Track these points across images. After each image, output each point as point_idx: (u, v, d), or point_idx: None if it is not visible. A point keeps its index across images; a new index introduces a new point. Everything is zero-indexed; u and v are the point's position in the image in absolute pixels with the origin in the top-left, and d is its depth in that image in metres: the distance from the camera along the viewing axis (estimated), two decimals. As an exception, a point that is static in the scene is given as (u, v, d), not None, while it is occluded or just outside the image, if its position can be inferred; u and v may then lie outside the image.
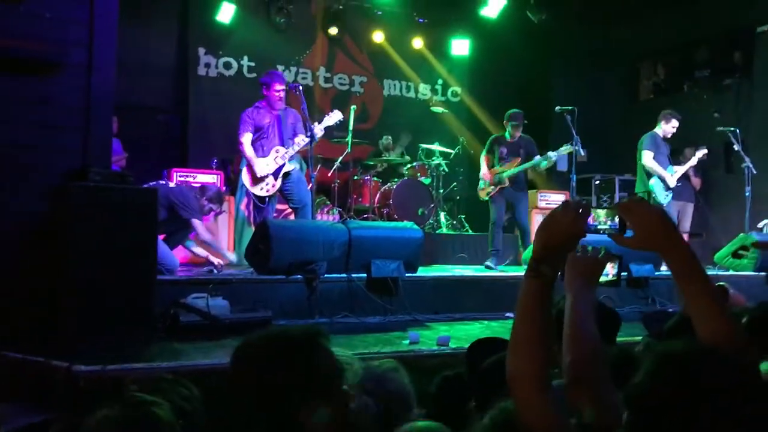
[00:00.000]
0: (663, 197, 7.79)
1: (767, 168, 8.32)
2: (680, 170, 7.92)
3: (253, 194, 6.43)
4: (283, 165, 6.38)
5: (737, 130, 7.94)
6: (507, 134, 7.66)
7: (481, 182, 7.80)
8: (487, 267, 7.39)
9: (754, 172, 7.78)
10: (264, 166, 6.36)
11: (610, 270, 1.85)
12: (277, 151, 6.37)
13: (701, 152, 7.96)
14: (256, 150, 6.43)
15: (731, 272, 7.25)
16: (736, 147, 7.87)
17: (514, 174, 7.54)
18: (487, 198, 7.70)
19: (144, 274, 4.03)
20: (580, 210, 1.48)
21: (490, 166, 7.70)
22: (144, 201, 4.12)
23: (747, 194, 7.74)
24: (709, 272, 7.40)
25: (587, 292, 1.72)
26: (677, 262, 1.45)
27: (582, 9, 10.53)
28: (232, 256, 6.21)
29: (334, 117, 6.54)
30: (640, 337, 2.43)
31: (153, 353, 3.72)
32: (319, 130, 6.26)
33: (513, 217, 7.84)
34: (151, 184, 5.75)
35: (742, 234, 7.59)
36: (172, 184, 6.47)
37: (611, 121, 10.70)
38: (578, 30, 10.89)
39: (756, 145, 8.34)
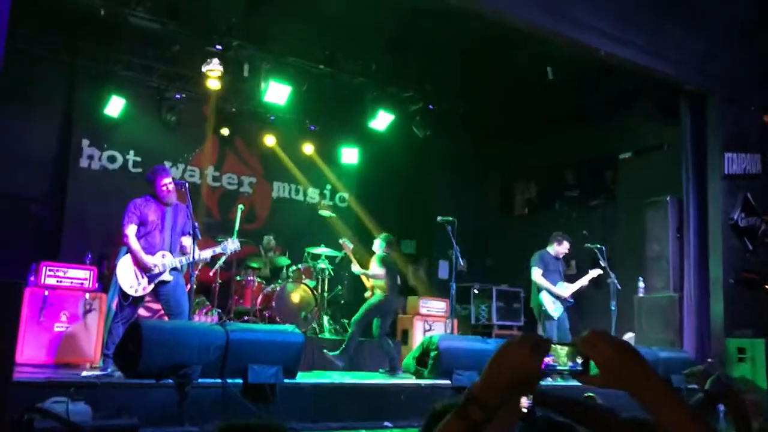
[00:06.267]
0: (552, 310, 8.06)
1: (631, 284, 8.92)
2: (572, 287, 8.20)
3: (120, 288, 5.94)
4: (162, 273, 5.98)
5: (603, 248, 8.49)
6: None
7: None
8: None
9: (619, 287, 8.29)
10: (159, 258, 5.97)
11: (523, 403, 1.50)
12: (163, 256, 6.01)
13: (595, 272, 8.28)
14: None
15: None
16: (602, 263, 8.38)
17: None
18: None
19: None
20: (537, 346, 1.20)
21: None
22: (5, 297, 3.84)
23: (612, 308, 8.19)
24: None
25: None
26: (651, 399, 1.15)
27: (463, 128, 11.24)
28: None
29: (231, 246, 6.34)
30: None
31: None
32: (208, 252, 6.21)
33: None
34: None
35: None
36: None
37: (489, 233, 11.20)
38: (459, 146, 11.56)
39: (620, 262, 8.92)
